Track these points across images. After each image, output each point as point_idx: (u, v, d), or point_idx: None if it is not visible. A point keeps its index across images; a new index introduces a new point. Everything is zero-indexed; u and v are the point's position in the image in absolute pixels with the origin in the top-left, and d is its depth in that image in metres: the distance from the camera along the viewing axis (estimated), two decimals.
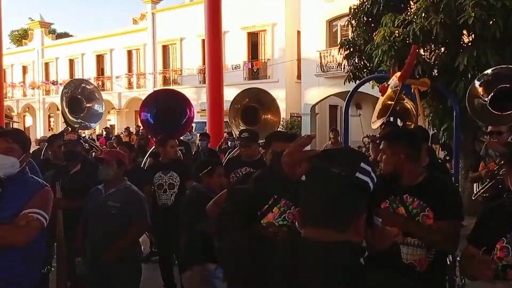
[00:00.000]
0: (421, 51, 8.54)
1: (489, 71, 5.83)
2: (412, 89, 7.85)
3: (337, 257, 1.11)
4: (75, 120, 6.15)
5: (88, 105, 6.31)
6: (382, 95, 5.59)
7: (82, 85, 6.74)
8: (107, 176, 3.54)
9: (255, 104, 7.12)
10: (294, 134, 2.98)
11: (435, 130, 9.18)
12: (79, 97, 6.30)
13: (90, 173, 3.73)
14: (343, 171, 1.14)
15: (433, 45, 8.62)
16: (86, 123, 6.34)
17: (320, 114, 21.56)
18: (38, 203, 2.23)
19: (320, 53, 19.48)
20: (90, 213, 3.60)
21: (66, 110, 6.11)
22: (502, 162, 4.33)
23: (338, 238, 1.13)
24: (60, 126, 30.62)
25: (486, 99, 4.86)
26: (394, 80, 5.49)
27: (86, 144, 5.65)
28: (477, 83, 5.33)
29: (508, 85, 4.79)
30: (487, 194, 4.52)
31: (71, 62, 31.30)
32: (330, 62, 18.57)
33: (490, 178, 4.51)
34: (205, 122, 12.34)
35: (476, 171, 5.00)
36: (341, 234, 1.14)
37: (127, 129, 16.99)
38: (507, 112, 4.61)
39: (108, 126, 26.87)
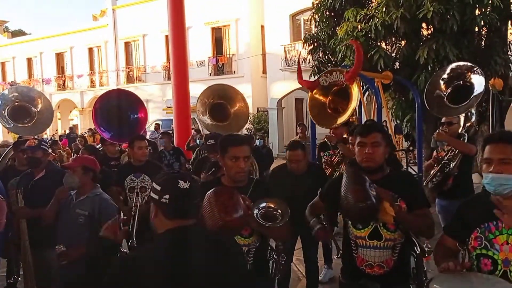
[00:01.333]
0: (383, 45, 8.74)
1: (448, 67, 6.09)
2: (376, 83, 8.06)
3: None
4: (23, 127, 5.94)
5: (35, 110, 6.08)
6: (311, 91, 5.69)
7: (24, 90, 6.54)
8: (72, 183, 3.42)
9: (221, 100, 7.11)
10: (250, 136, 3.00)
11: (398, 121, 9.43)
12: (25, 104, 6.08)
13: (54, 180, 3.59)
14: None
15: (394, 39, 8.83)
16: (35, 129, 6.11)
17: (287, 108, 21.72)
18: None
19: (284, 48, 19.60)
20: (59, 218, 3.49)
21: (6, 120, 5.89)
22: (450, 149, 4.58)
23: None
24: None
25: (444, 93, 5.08)
26: (323, 78, 5.63)
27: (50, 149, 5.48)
28: (436, 77, 5.57)
29: (461, 82, 5.04)
30: (435, 180, 4.72)
31: (29, 61, 30.26)
32: (295, 56, 18.70)
33: (437, 164, 4.73)
34: (172, 119, 12.19)
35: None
36: None
37: (91, 129, 16.60)
38: (460, 105, 4.85)
39: (71, 126, 26.21)
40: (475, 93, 5.35)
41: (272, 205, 2.54)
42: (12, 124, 5.92)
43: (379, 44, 8.59)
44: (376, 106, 7.04)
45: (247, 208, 2.39)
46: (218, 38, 22.81)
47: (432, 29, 8.38)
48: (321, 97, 5.59)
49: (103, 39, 26.21)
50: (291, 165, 4.12)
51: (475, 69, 5.76)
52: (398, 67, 8.70)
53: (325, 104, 5.92)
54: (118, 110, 6.39)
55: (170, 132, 10.07)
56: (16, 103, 6.00)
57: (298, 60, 6.32)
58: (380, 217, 2.32)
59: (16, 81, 28.90)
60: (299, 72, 6.08)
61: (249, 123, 20.81)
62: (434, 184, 4.83)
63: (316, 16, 9.98)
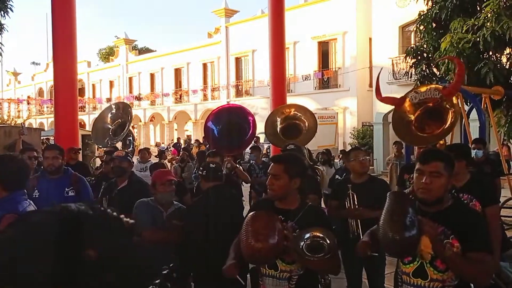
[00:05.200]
0: (494, 57, 7.96)
1: None
2: (483, 99, 7.35)
3: None
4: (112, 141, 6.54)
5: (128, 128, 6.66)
6: (397, 109, 5.18)
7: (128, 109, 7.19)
8: (167, 199, 3.56)
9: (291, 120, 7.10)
10: (289, 155, 2.90)
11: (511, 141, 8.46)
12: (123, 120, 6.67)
13: (136, 190, 3.85)
14: None
15: (509, 50, 7.99)
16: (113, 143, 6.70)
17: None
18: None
19: (392, 60, 18.82)
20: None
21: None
22: None
23: None
24: (142, 139, 32.55)
25: None
26: (413, 94, 5.10)
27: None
28: None
29: None
30: None
31: (152, 76, 33.13)
32: (403, 69, 17.83)
33: None
34: None
35: None
36: None
37: (197, 141, 17.63)
38: None
39: (185, 136, 28.12)
40: None
41: (319, 234, 2.41)
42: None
43: (489, 56, 7.84)
44: (479, 125, 6.40)
45: (284, 237, 2.32)
46: (324, 51, 22.72)
47: None
48: (407, 114, 5.18)
49: (216, 55, 27.69)
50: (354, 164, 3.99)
51: None
52: None
53: (411, 122, 5.46)
54: (229, 123, 6.78)
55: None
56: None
57: (378, 76, 5.92)
58: (418, 252, 2.09)
59: (140, 95, 31.84)
60: (378, 88, 5.71)
61: (353, 138, 20.32)
62: None
63: (421, 27, 9.45)
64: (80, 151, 7.71)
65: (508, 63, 7.97)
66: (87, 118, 36.11)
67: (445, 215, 2.23)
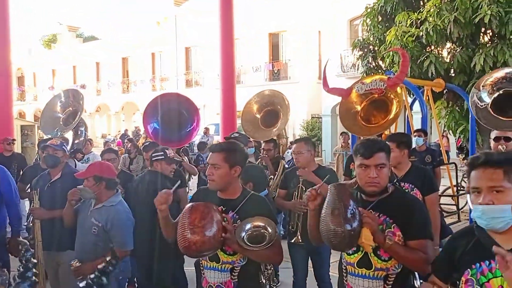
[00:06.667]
0: (436, 51, 8.23)
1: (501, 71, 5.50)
2: (425, 91, 7.59)
3: None
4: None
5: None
6: (344, 99, 5.26)
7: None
8: (86, 194, 3.32)
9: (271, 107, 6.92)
10: (229, 143, 2.84)
11: (451, 133, 8.82)
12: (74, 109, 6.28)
13: (70, 182, 3.55)
14: None
15: (450, 44, 8.28)
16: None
17: None
18: None
19: (340, 54, 19.16)
20: (77, 224, 3.42)
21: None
22: None
23: None
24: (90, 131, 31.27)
25: (487, 102, 4.55)
26: (359, 85, 5.19)
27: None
28: (480, 81, 5.00)
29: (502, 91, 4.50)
30: None
31: (98, 65, 31.92)
32: (351, 62, 18.21)
33: None
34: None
35: None
36: None
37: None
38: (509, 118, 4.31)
39: (134, 128, 27.33)
40: None
41: (260, 224, 2.34)
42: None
43: (431, 49, 8.10)
44: (421, 116, 6.59)
45: (223, 228, 2.24)
46: (275, 43, 22.79)
47: (490, 34, 7.77)
48: (353, 105, 5.24)
49: (165, 45, 27.03)
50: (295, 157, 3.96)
51: None
52: (453, 74, 8.15)
53: (357, 113, 5.53)
54: (171, 114, 6.47)
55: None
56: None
57: (325, 68, 5.96)
58: (360, 244, 2.08)
59: (85, 85, 30.60)
60: (325, 80, 5.74)
61: (302, 129, 20.57)
62: None
63: (368, 21, 9.61)
64: (15, 142, 7.23)
65: (449, 56, 8.26)
66: (28, 108, 34.32)
67: (386, 203, 2.22)
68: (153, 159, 4.14)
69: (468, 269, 1.70)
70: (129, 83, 29.45)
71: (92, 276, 2.27)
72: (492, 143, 4.21)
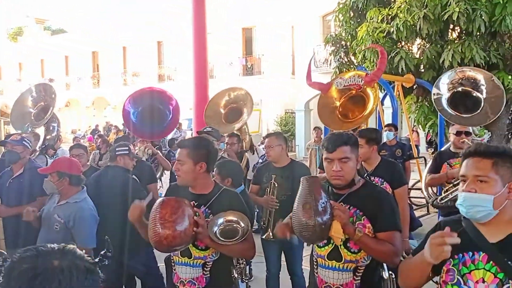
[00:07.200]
0: (406, 47, 8.37)
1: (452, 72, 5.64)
2: (396, 86, 7.71)
3: None
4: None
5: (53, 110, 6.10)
6: (323, 93, 5.36)
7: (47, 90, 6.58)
8: (50, 190, 3.28)
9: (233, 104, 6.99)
10: (197, 138, 2.89)
11: (421, 127, 9.00)
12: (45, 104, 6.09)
13: (32, 178, 3.50)
14: None
15: (420, 40, 8.43)
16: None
17: (315, 110, 21.32)
18: None
19: (313, 49, 19.26)
20: (42, 219, 3.36)
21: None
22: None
23: None
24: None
25: (446, 98, 4.72)
26: (339, 80, 5.30)
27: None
28: (442, 81, 5.18)
29: (462, 89, 4.67)
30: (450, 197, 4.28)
31: (67, 58, 31.13)
32: (324, 57, 18.34)
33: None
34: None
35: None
36: None
37: (116, 127, 16.91)
38: (467, 115, 4.46)
39: (105, 123, 26.79)
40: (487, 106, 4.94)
41: (233, 218, 2.34)
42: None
43: (401, 45, 8.23)
44: (392, 111, 6.70)
45: (195, 223, 2.22)
46: (248, 38, 22.73)
47: (458, 30, 7.95)
48: (332, 100, 5.34)
49: (137, 39, 26.58)
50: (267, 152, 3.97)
51: (492, 78, 5.33)
52: (422, 70, 8.30)
53: (336, 108, 5.62)
54: (150, 108, 6.44)
55: None
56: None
57: (310, 62, 6.06)
58: (331, 236, 2.10)
59: (53, 78, 29.81)
60: (309, 73, 5.82)
61: (276, 125, 20.63)
62: (447, 201, 4.32)
63: (340, 16, 9.68)
64: None
65: (419, 52, 8.41)
66: None
67: (357, 196, 2.26)
68: (117, 153, 4.07)
69: (451, 259, 1.70)
70: (100, 78, 28.84)
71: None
72: (453, 137, 4.32)
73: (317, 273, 2.31)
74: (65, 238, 3.15)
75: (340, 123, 5.69)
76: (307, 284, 2.58)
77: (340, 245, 2.18)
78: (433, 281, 1.83)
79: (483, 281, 1.61)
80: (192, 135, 15.66)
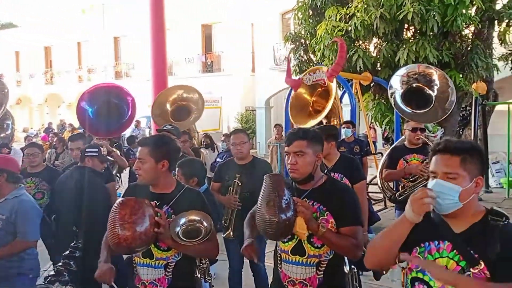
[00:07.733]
0: (364, 46, 8.56)
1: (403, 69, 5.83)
2: (354, 84, 7.88)
3: None
4: None
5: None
6: (295, 90, 5.54)
7: None
8: None
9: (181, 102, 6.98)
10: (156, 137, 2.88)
11: (378, 124, 9.24)
12: None
13: None
14: None
15: (377, 39, 8.65)
16: None
17: (276, 107, 21.46)
18: None
19: (273, 46, 19.37)
20: None
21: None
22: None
23: None
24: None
25: (399, 94, 4.89)
26: (307, 76, 5.46)
27: None
28: (395, 79, 5.36)
29: (415, 85, 4.86)
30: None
31: (17, 54, 29.84)
32: (284, 55, 18.48)
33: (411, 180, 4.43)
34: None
35: None
36: None
37: (71, 125, 16.40)
38: (420, 111, 4.63)
39: (59, 121, 25.85)
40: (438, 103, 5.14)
41: (195, 218, 2.30)
42: None
43: (359, 44, 8.41)
44: (350, 108, 6.84)
45: (156, 223, 2.18)
46: (207, 35, 22.56)
47: (413, 30, 8.21)
48: (306, 96, 5.49)
49: (92, 34, 25.82)
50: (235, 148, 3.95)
51: (444, 76, 5.55)
52: (379, 68, 8.52)
53: (309, 104, 5.76)
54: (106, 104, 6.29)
55: None
56: None
57: (288, 59, 6.21)
58: (295, 233, 2.12)
59: (3, 75, 28.48)
60: (288, 71, 5.96)
61: (237, 122, 20.60)
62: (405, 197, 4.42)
63: (299, 14, 9.77)
64: None
65: (375, 51, 8.62)
66: None
67: (320, 192, 2.28)
68: (86, 154, 3.96)
69: (417, 247, 1.74)
70: (53, 74, 27.81)
71: (59, 264, 2.22)
72: (408, 133, 4.45)
73: (280, 268, 2.32)
74: (11, 233, 3.19)
75: (303, 118, 5.82)
76: (270, 280, 2.59)
77: (304, 240, 2.20)
78: (399, 266, 1.86)
79: (446, 269, 1.66)
80: (150, 133, 15.41)
